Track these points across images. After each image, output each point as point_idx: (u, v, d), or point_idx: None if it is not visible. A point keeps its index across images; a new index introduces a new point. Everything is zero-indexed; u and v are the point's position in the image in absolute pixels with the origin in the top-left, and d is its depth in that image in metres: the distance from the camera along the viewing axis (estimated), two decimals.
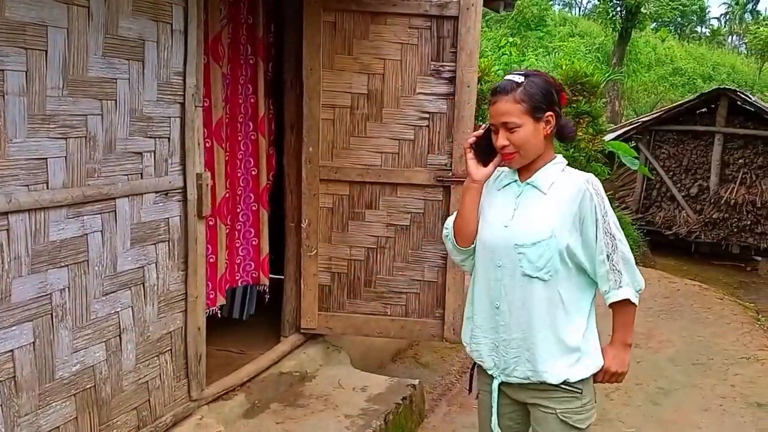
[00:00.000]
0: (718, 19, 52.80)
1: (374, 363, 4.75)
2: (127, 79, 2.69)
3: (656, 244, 10.86)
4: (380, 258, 4.10)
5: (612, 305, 2.22)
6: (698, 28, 49.83)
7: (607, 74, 15.33)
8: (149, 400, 2.99)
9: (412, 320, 4.15)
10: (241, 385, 3.66)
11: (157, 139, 2.87)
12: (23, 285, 2.34)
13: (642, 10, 22.54)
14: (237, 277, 4.07)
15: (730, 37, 49.67)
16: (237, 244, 4.03)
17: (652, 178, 11.56)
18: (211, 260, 3.66)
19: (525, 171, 2.24)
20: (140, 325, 2.89)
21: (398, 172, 3.99)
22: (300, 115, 3.96)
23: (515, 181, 2.26)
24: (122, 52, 2.66)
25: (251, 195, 4.06)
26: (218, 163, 3.69)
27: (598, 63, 22.75)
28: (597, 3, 28.42)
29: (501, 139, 2.17)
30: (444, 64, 3.90)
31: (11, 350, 2.32)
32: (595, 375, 2.24)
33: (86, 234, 2.57)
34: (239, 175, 3.96)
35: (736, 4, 34.47)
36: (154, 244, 2.91)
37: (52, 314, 2.46)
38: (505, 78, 2.20)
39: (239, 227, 4.03)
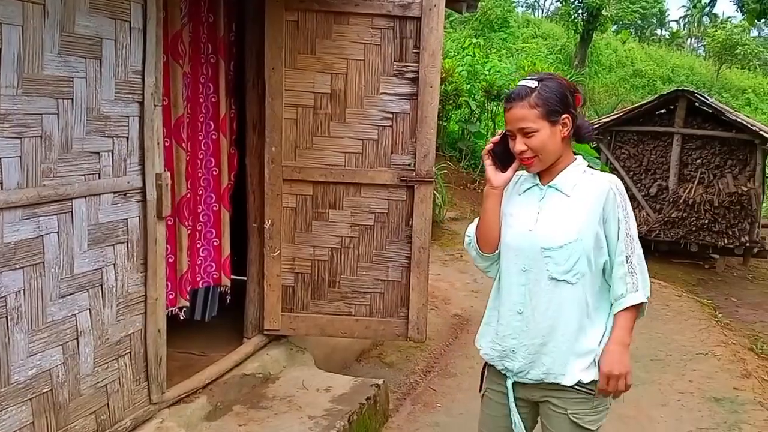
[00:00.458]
0: (677, 22, 53.87)
1: (339, 363, 4.73)
2: (84, 78, 2.65)
3: None
4: (344, 258, 4.09)
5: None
6: (658, 31, 50.76)
7: (569, 76, 15.52)
8: (108, 404, 2.94)
9: (376, 320, 4.15)
10: (203, 388, 3.62)
11: (115, 138, 2.83)
12: None
13: (603, 12, 22.92)
14: (198, 279, 4.03)
15: (688, 39, 50.69)
16: (198, 245, 3.99)
17: None
18: (170, 260, 3.62)
19: (546, 174, 2.25)
20: (98, 328, 2.84)
21: (362, 172, 3.99)
22: (262, 114, 3.93)
23: (536, 184, 2.27)
24: (79, 50, 2.61)
25: (212, 195, 4.01)
26: (178, 162, 3.65)
27: (560, 64, 23.06)
28: (559, 5, 28.79)
29: (519, 145, 2.18)
30: (407, 64, 3.91)
31: None
32: (598, 385, 2.23)
33: (42, 235, 2.52)
34: (200, 175, 3.92)
35: (694, 7, 35.17)
36: (113, 245, 2.87)
37: (7, 317, 2.41)
38: (519, 84, 2.22)
39: (200, 228, 3.98)
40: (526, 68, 13.14)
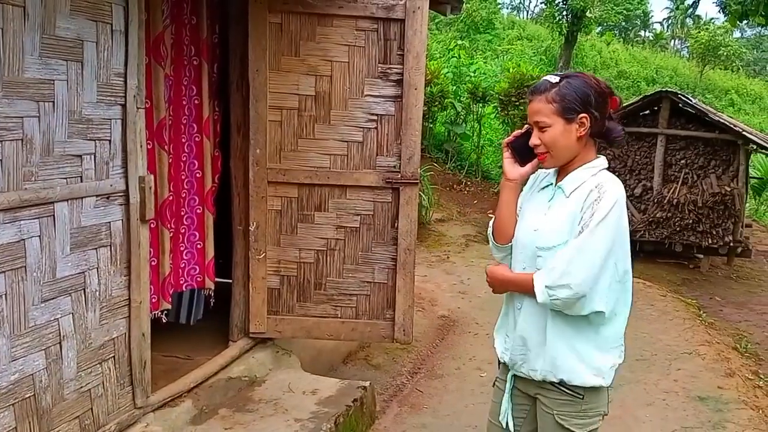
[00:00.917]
0: (661, 23, 54.26)
1: (325, 366, 4.73)
2: (66, 81, 2.63)
3: None
4: (330, 260, 4.09)
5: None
6: (642, 32, 51.10)
7: None
8: (92, 408, 2.92)
9: (362, 322, 4.15)
10: (189, 391, 3.60)
11: (97, 141, 2.81)
12: None
13: (587, 14, 22.99)
14: (182, 282, 4.00)
15: (672, 41, 51.07)
16: (181, 248, 3.96)
17: None
18: (153, 263, 3.60)
19: (561, 173, 2.25)
20: (81, 332, 2.82)
21: (347, 174, 3.98)
22: (247, 116, 3.92)
23: (551, 183, 2.28)
24: (60, 53, 2.60)
25: (196, 198, 4.00)
26: (160, 165, 3.63)
27: (546, 66, 23.15)
28: (544, 7, 28.91)
29: (533, 138, 2.20)
30: (391, 66, 3.91)
31: None
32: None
33: (23, 239, 2.50)
34: (183, 177, 3.90)
35: (677, 8, 35.44)
36: (95, 248, 2.85)
37: None
38: (543, 78, 2.23)
39: (183, 231, 3.96)
40: (510, 70, 13.17)
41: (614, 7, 33.54)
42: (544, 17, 30.12)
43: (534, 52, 28.32)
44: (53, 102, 2.58)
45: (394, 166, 3.98)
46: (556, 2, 23.41)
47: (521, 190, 2.38)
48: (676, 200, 11.09)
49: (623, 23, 44.58)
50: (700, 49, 34.89)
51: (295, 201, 4.02)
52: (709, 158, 11.23)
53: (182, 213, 3.93)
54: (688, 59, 39.96)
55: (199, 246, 4.05)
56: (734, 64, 37.35)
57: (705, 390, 4.89)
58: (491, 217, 2.46)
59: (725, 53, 34.98)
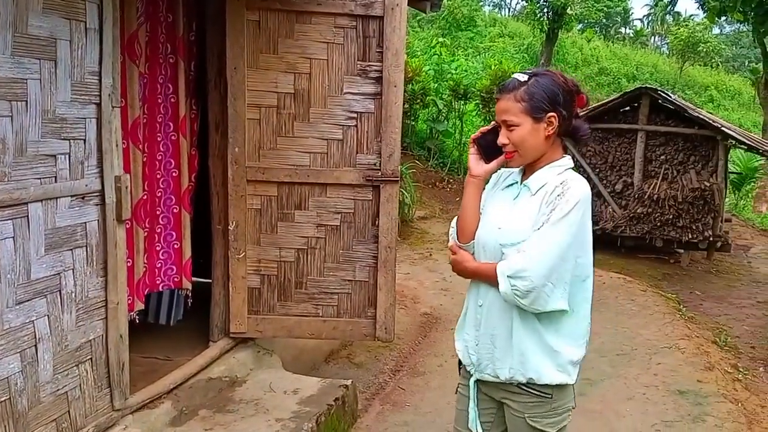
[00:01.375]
0: (641, 20, 54.70)
1: (307, 365, 4.71)
2: (39, 80, 2.59)
3: None
4: (311, 259, 4.07)
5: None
6: (622, 29, 51.47)
7: None
8: (69, 411, 2.89)
9: (344, 320, 4.14)
10: (168, 393, 3.58)
11: (72, 140, 2.77)
12: None
13: (568, 11, 23.11)
14: (158, 282, 3.96)
15: (652, 37, 51.48)
16: (157, 248, 3.92)
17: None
18: (127, 264, 3.55)
19: (528, 171, 2.24)
20: (57, 334, 2.78)
21: (327, 172, 3.97)
22: (225, 115, 3.89)
23: (517, 182, 2.27)
24: (33, 52, 2.56)
25: (172, 197, 3.96)
26: (135, 164, 3.58)
27: (527, 63, 23.24)
28: (525, 4, 29.00)
29: (501, 137, 2.19)
30: (371, 63, 3.90)
31: None
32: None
33: None
34: (159, 176, 3.86)
35: (656, 5, 35.72)
36: (71, 249, 2.81)
37: None
38: (512, 76, 2.21)
39: (159, 230, 3.92)
40: (492, 67, 13.21)
41: (595, 4, 33.73)
42: (525, 14, 30.21)
43: (516, 50, 28.44)
44: (26, 101, 2.54)
45: (375, 164, 3.96)
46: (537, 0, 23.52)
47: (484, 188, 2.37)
48: (656, 196, 11.16)
49: (604, 20, 44.87)
50: (680, 46, 35.21)
51: (275, 199, 4.00)
52: (688, 154, 11.33)
53: (158, 212, 3.89)
54: (668, 56, 40.33)
55: (176, 246, 4.01)
56: (713, 61, 37.71)
57: (685, 384, 4.92)
58: None
59: (704, 50, 35.31)
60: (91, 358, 2.99)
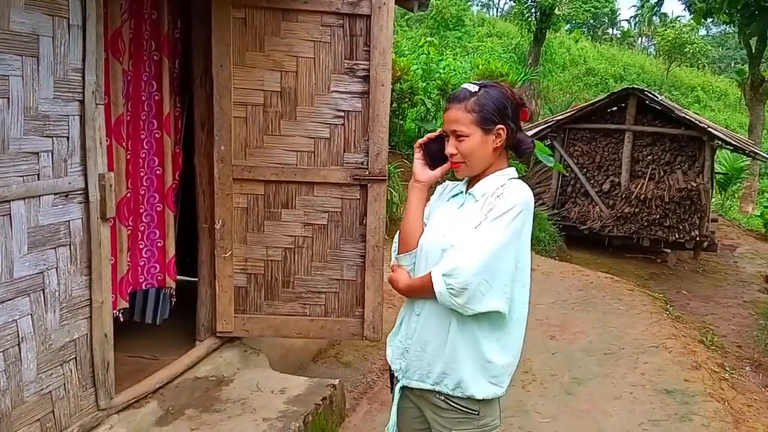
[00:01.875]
0: (628, 21, 55.02)
1: (295, 364, 4.69)
2: (21, 76, 2.56)
3: (572, 239, 11.19)
4: (298, 258, 4.05)
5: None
6: (610, 30, 51.72)
7: (522, 74, 15.68)
8: (53, 410, 2.86)
9: (331, 320, 4.13)
10: (154, 392, 3.55)
11: (54, 138, 2.74)
12: None
13: (556, 11, 23.20)
14: (141, 280, 3.93)
15: (639, 38, 51.76)
16: (140, 246, 3.89)
17: (567, 175, 11.90)
18: (110, 262, 3.52)
19: (473, 181, 2.22)
20: (41, 334, 2.75)
21: (314, 171, 3.95)
22: (211, 112, 3.87)
23: (462, 192, 2.26)
24: (15, 48, 2.53)
25: (156, 195, 3.92)
26: (118, 162, 3.55)
27: (514, 63, 23.30)
28: (513, 4, 29.08)
29: (450, 147, 2.17)
30: (358, 62, 3.89)
31: None
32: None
33: None
34: (142, 174, 3.83)
35: (643, 6, 35.92)
36: (54, 248, 2.78)
37: None
38: (462, 86, 2.18)
39: (143, 228, 3.89)
40: (480, 67, 13.23)
41: (582, 5, 33.93)
42: (513, 14, 30.31)
43: (503, 49, 28.53)
44: (8, 98, 2.51)
45: (362, 163, 3.95)
46: (525, 0, 23.60)
47: (430, 197, 2.35)
48: (643, 196, 11.23)
49: (591, 21, 45.08)
50: (667, 47, 35.45)
51: (262, 198, 3.98)
52: (675, 154, 11.40)
53: (141, 210, 3.86)
54: (655, 57, 40.57)
55: (159, 244, 3.98)
56: (700, 62, 38.01)
57: (672, 383, 4.94)
58: None
59: (691, 51, 35.58)
60: (75, 358, 2.96)
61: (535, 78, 20.77)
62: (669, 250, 11.27)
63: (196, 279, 4.16)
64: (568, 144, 12.05)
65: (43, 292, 2.75)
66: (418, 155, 2.30)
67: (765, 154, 12.36)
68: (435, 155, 2.25)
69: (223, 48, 3.78)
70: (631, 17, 55.45)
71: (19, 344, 2.65)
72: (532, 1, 23.14)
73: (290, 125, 3.91)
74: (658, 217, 10.98)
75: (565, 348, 5.58)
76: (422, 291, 2.16)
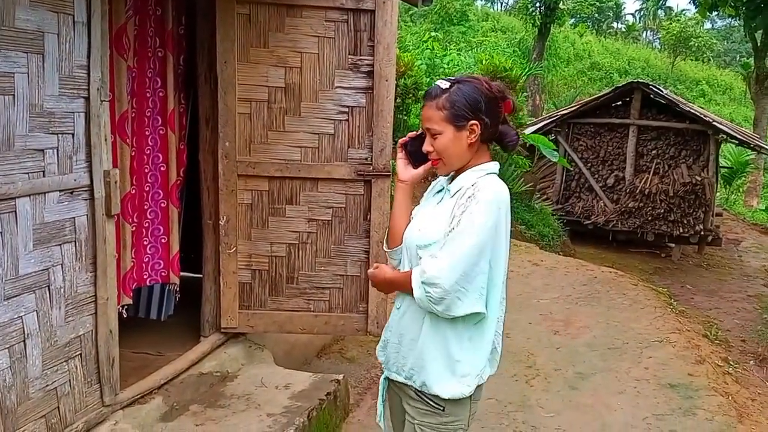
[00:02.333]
0: (633, 15, 54.75)
1: (299, 360, 4.70)
2: (26, 73, 2.57)
3: (576, 234, 11.18)
4: (302, 254, 4.06)
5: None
6: (614, 24, 51.53)
7: (526, 69, 15.64)
8: (59, 407, 2.87)
9: (335, 315, 4.13)
10: (159, 388, 3.56)
11: (60, 135, 2.75)
12: None
13: (560, 6, 23.13)
14: (145, 276, 3.94)
15: (644, 32, 51.58)
16: (145, 242, 3.90)
17: (571, 169, 11.88)
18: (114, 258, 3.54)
19: (454, 176, 2.23)
20: (46, 330, 2.76)
21: (318, 167, 3.95)
22: (215, 109, 3.87)
23: (444, 187, 2.27)
24: (20, 45, 2.53)
25: (160, 192, 3.93)
26: (122, 158, 3.56)
27: (519, 58, 23.25)
28: None
29: (426, 144, 2.18)
30: (362, 57, 3.88)
31: None
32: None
33: None
34: (146, 171, 3.83)
35: (648, 0, 35.80)
36: (60, 245, 2.79)
37: None
38: (435, 83, 2.19)
39: (147, 225, 3.89)
40: (484, 62, 13.19)
41: None
42: (517, 9, 30.23)
43: (508, 44, 28.47)
44: (13, 95, 2.52)
45: (366, 159, 3.95)
46: None
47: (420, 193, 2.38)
48: (647, 190, 11.20)
49: (596, 15, 44.90)
50: (672, 41, 35.33)
51: (266, 194, 3.98)
52: (680, 148, 11.36)
53: (145, 207, 3.87)
54: (660, 50, 40.42)
55: (163, 240, 3.99)
56: (705, 55, 37.86)
57: (676, 377, 4.94)
58: None
59: (696, 44, 35.44)
60: (80, 354, 2.97)
61: (539, 73, 20.74)
62: (673, 245, 11.25)
63: (201, 275, 4.17)
64: (573, 138, 12.03)
65: (49, 289, 2.76)
66: (400, 154, 2.31)
67: None
68: (417, 154, 2.26)
69: (228, 44, 3.78)
70: (636, 11, 55.24)
71: (24, 341, 2.67)
72: None
73: (294, 121, 3.91)
74: (662, 211, 10.96)
75: (569, 343, 5.58)
76: (403, 288, 2.19)
